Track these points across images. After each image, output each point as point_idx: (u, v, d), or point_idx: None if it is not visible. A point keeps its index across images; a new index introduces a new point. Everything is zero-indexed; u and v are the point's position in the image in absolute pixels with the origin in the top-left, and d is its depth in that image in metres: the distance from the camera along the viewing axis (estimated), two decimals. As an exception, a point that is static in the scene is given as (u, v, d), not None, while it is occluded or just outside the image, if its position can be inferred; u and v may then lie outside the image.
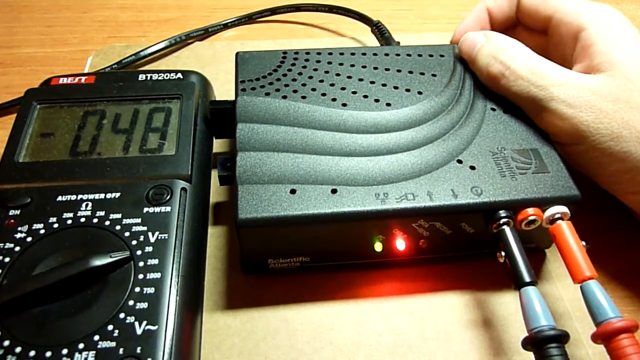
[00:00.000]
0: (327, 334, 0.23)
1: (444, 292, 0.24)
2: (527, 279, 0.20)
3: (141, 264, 0.20)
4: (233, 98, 0.27)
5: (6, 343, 0.18)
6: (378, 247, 0.23)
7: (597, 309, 0.19)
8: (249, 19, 0.39)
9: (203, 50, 0.37)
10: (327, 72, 0.28)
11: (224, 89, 0.33)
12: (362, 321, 0.23)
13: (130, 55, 0.34)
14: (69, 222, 0.22)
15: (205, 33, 0.37)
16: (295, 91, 0.26)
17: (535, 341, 0.19)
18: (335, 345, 0.22)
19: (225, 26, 0.38)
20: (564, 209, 0.22)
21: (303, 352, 0.22)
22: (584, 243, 0.22)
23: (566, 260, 0.21)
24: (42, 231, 0.21)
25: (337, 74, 0.28)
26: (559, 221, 0.22)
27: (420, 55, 0.29)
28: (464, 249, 0.25)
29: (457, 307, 0.24)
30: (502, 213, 0.22)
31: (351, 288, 0.24)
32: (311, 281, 0.24)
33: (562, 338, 0.19)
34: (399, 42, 0.34)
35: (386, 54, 0.29)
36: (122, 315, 0.19)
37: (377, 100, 0.26)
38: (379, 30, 0.35)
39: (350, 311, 0.23)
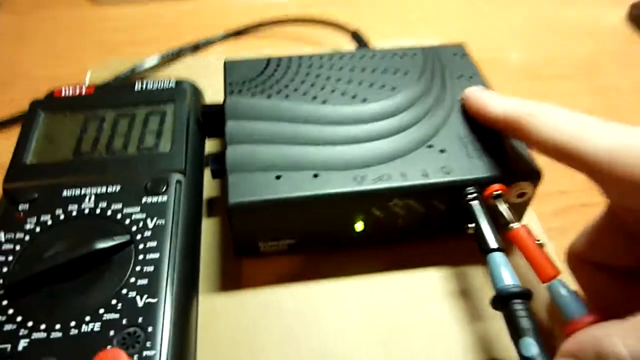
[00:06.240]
0: (315, 310, 0.24)
1: (423, 268, 0.26)
2: (493, 245, 0.22)
3: (141, 246, 0.22)
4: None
5: (19, 319, 0.20)
6: (359, 226, 0.25)
7: (564, 307, 0.20)
8: (236, 34, 0.42)
9: (194, 64, 0.39)
10: (307, 74, 0.30)
11: (214, 99, 0.35)
12: (347, 296, 0.25)
13: (126, 71, 0.36)
14: (74, 213, 0.24)
15: (196, 48, 0.40)
16: (278, 92, 0.29)
17: (500, 298, 0.21)
18: (322, 319, 0.24)
19: (215, 42, 0.41)
20: (527, 184, 0.25)
21: (292, 327, 0.24)
22: (539, 241, 0.22)
23: (530, 264, 0.22)
24: (50, 222, 0.23)
25: (317, 76, 0.30)
26: (515, 227, 0.23)
27: (393, 57, 0.32)
28: (439, 228, 0.27)
29: (436, 280, 0.26)
30: (470, 189, 0.24)
31: (336, 267, 0.26)
32: (299, 262, 0.26)
33: (525, 294, 0.21)
34: (375, 48, 0.36)
35: (361, 57, 0.32)
36: (124, 291, 0.21)
37: (354, 97, 0.29)
38: (356, 38, 0.38)
39: (335, 288, 0.25)
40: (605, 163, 0.18)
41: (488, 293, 0.25)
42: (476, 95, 0.26)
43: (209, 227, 0.28)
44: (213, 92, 0.35)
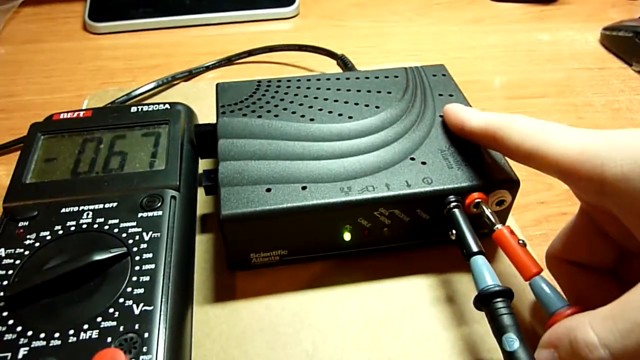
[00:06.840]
0: (306, 317, 0.25)
1: (410, 276, 0.27)
2: (474, 249, 0.23)
3: (137, 258, 0.23)
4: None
5: (19, 328, 0.21)
6: (347, 236, 0.26)
7: (546, 302, 0.21)
8: (228, 61, 0.43)
9: (188, 90, 0.41)
10: (296, 94, 0.32)
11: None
12: (337, 304, 0.26)
13: (122, 96, 0.38)
14: (72, 228, 0.25)
15: (190, 74, 0.42)
16: (268, 111, 0.30)
17: (482, 298, 0.22)
18: (313, 326, 0.25)
19: (207, 68, 0.43)
20: (505, 192, 0.26)
21: (284, 333, 0.25)
22: (521, 241, 0.23)
23: (512, 262, 0.23)
24: (49, 237, 0.24)
25: (305, 96, 0.32)
26: (499, 228, 0.24)
27: (377, 78, 0.33)
28: (424, 237, 0.28)
29: (422, 287, 0.27)
30: (452, 198, 0.25)
31: (326, 277, 0.27)
32: (290, 273, 0.27)
33: (506, 293, 0.21)
34: (360, 71, 0.38)
35: (347, 78, 0.33)
36: (121, 300, 0.22)
37: (340, 115, 0.30)
38: (343, 62, 0.40)
39: (326, 297, 0.26)
40: (574, 164, 0.20)
41: (472, 298, 0.26)
42: (455, 110, 0.28)
43: (203, 243, 0.29)
44: (205, 116, 0.36)
